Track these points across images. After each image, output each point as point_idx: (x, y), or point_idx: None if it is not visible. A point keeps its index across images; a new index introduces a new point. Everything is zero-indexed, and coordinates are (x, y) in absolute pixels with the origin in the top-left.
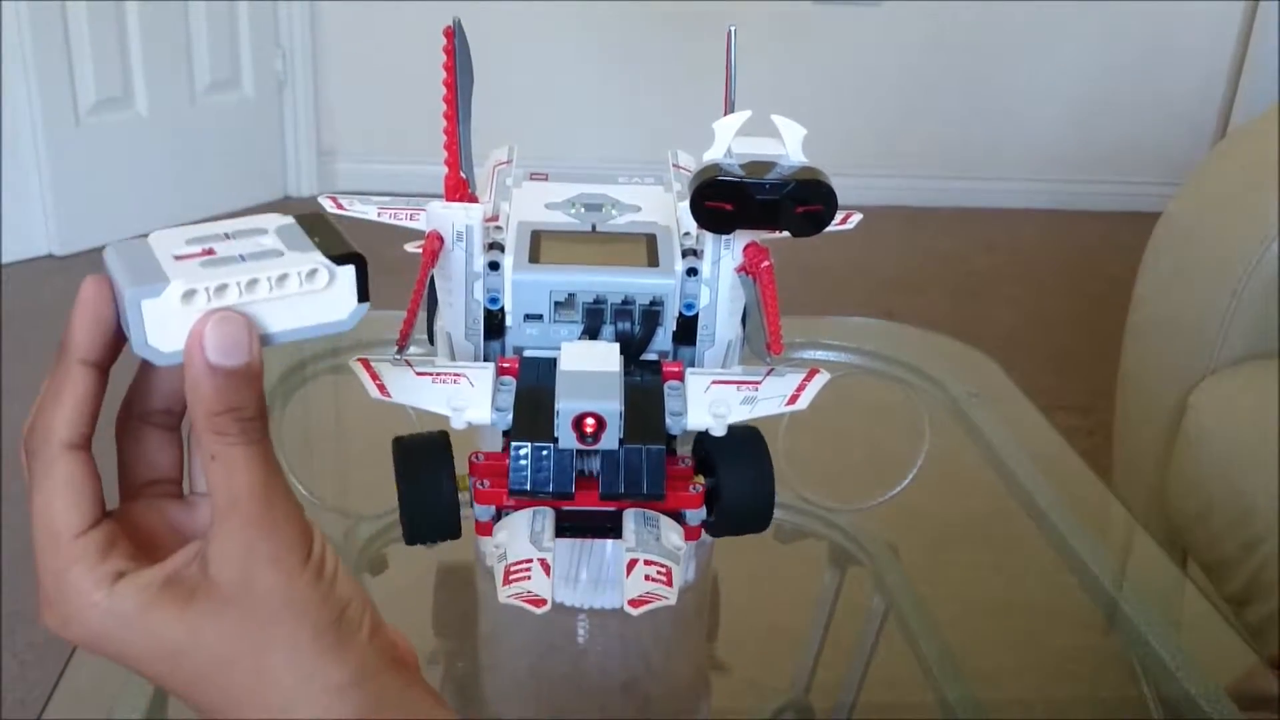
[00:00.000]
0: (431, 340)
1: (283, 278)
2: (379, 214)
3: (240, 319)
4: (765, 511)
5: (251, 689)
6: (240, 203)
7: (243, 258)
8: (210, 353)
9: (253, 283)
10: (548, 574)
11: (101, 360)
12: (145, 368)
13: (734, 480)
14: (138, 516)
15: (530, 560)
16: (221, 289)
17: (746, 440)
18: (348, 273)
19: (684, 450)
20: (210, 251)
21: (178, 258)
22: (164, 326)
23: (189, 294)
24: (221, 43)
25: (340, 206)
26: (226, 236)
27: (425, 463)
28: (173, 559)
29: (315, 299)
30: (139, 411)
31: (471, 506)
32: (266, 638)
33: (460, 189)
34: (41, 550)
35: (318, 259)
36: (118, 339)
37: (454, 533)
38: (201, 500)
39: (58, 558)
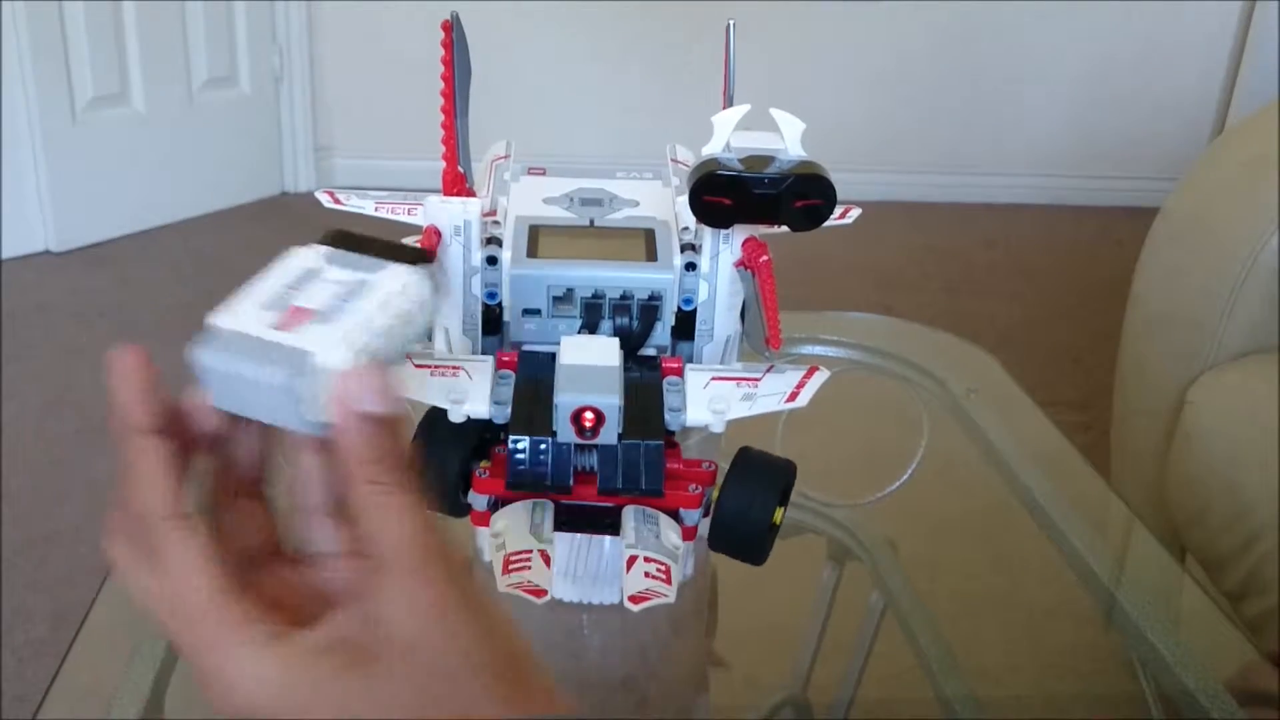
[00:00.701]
0: (429, 335)
1: (384, 302)
2: (376, 209)
3: (378, 365)
4: (757, 540)
5: None
6: (238, 199)
7: (342, 301)
8: (360, 403)
9: (368, 319)
10: (547, 565)
11: (165, 428)
12: (228, 444)
13: (731, 497)
14: (261, 584)
15: (530, 551)
16: (353, 337)
17: (767, 467)
18: (425, 270)
19: (694, 449)
20: (303, 309)
21: (279, 327)
22: (316, 396)
23: (333, 354)
24: (218, 40)
25: (338, 201)
26: (292, 289)
27: (443, 434)
28: (333, 620)
29: (410, 307)
30: (232, 487)
31: (465, 496)
32: (441, 694)
33: (458, 184)
34: (192, 626)
35: (400, 271)
36: (170, 405)
37: (452, 509)
38: (322, 559)
39: (215, 630)
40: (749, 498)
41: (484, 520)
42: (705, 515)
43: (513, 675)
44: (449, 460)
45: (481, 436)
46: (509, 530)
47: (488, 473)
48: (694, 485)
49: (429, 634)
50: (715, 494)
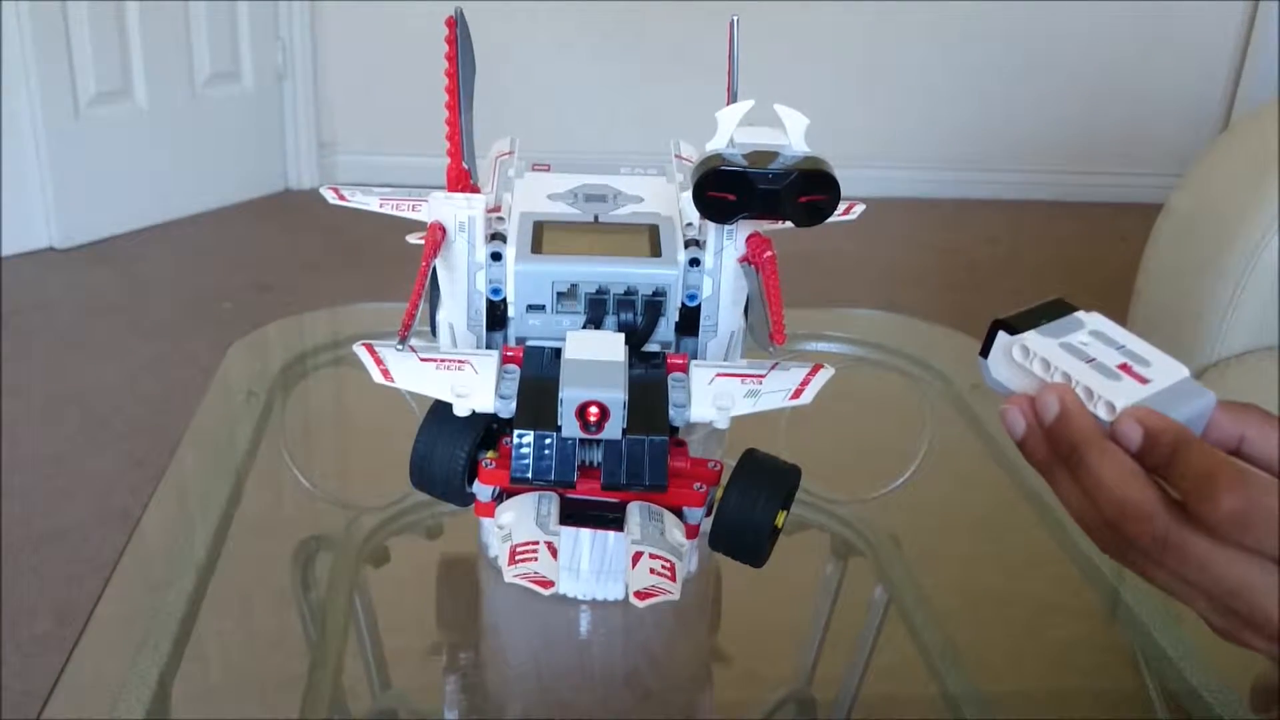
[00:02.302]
0: (434, 332)
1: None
2: (381, 205)
3: None
4: (757, 542)
5: None
6: (241, 195)
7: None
8: None
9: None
10: (554, 557)
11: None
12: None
13: (733, 499)
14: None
15: (537, 542)
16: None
17: (772, 471)
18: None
19: (698, 446)
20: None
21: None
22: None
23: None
24: (221, 35)
25: (342, 198)
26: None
27: (451, 424)
28: None
29: None
30: None
31: (470, 485)
32: None
33: (462, 180)
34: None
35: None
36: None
37: (456, 498)
38: None
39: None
40: (752, 501)
41: (488, 511)
42: (708, 514)
43: None
44: (456, 450)
45: (489, 427)
46: (516, 521)
47: (494, 464)
48: (699, 484)
49: None
50: (719, 494)
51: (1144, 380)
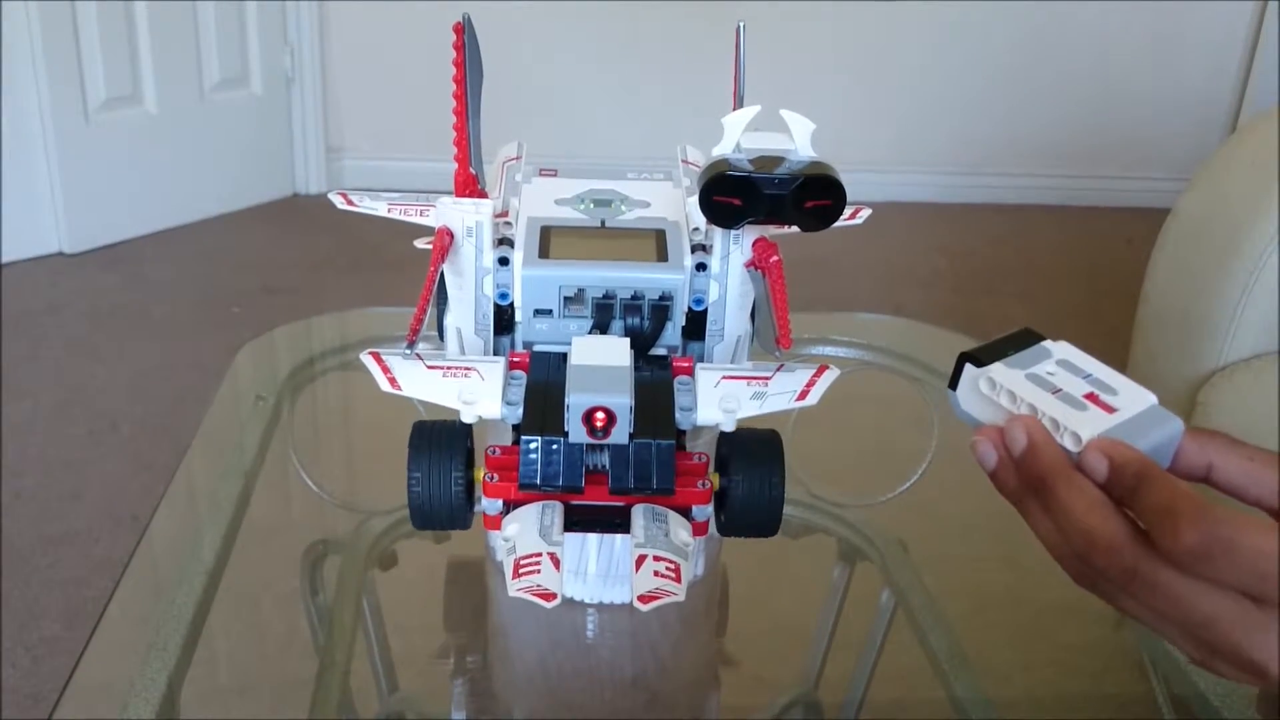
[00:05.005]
0: (441, 336)
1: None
2: (389, 210)
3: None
4: (773, 516)
5: None
6: (249, 199)
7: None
8: None
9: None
10: (557, 568)
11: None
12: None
13: (744, 481)
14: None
15: (540, 554)
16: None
17: (763, 443)
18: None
19: (702, 447)
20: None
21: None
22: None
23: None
24: (230, 41)
25: (351, 203)
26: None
27: (439, 448)
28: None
29: None
30: None
31: (479, 500)
32: None
33: (470, 185)
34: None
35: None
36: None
37: (460, 523)
38: None
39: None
40: (762, 477)
41: (497, 524)
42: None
43: None
44: (451, 471)
45: (465, 445)
46: (519, 534)
47: (497, 477)
48: (703, 481)
49: None
50: (715, 483)
51: (1111, 409)
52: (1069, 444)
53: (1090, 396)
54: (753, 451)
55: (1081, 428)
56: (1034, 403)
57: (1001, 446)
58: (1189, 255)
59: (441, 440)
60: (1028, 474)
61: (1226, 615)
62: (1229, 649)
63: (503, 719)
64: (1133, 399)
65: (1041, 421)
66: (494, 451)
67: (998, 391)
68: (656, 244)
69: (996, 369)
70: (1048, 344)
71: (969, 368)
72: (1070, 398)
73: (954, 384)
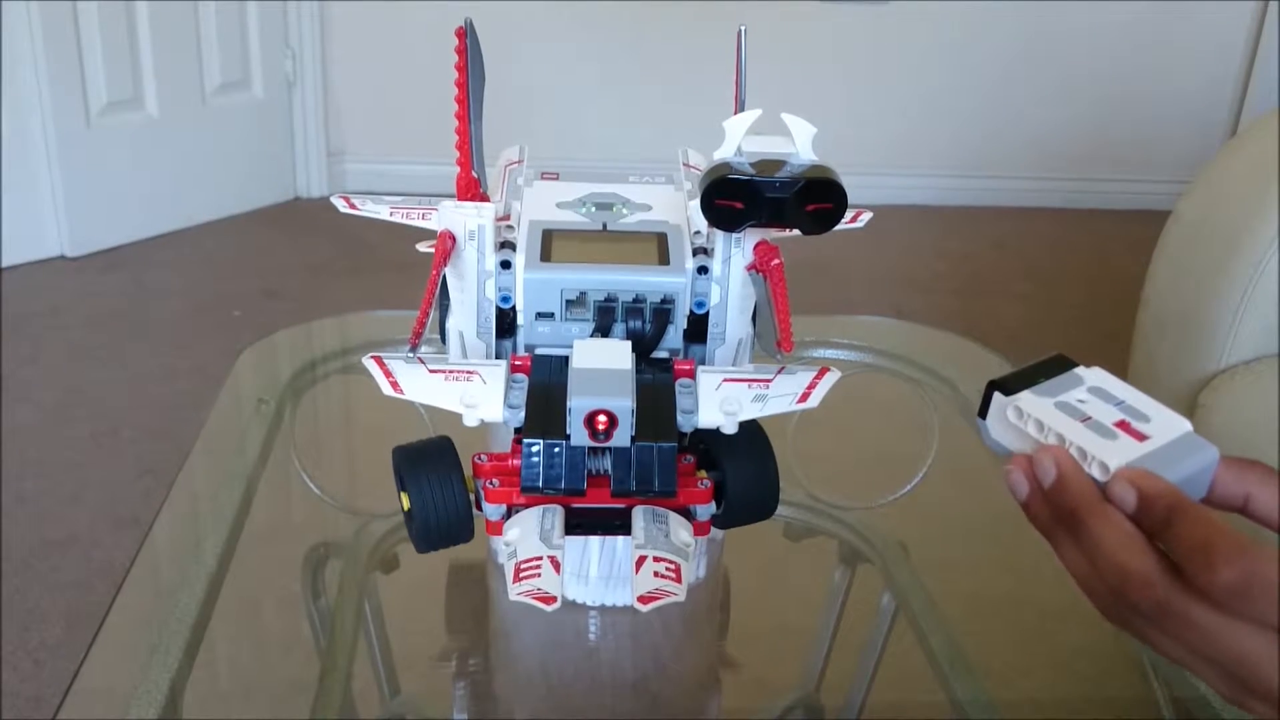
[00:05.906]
0: (443, 339)
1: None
2: (391, 214)
3: None
4: (770, 500)
5: None
6: (250, 203)
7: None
8: None
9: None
10: (558, 571)
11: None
12: None
13: (739, 472)
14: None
15: (540, 558)
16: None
17: (745, 431)
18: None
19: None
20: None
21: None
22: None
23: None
24: (231, 44)
25: (353, 206)
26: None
27: (434, 468)
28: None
29: None
30: None
31: (480, 506)
32: None
33: (472, 188)
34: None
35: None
36: None
37: (468, 536)
38: None
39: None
40: (758, 466)
41: (499, 529)
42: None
43: None
44: (454, 488)
45: (458, 459)
46: (520, 538)
47: (499, 482)
48: (703, 480)
49: None
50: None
51: (1142, 437)
52: (1097, 473)
53: (1121, 424)
54: (739, 441)
55: (1109, 457)
56: (1062, 431)
57: (1032, 477)
58: (1189, 258)
59: (436, 461)
60: (1057, 506)
61: (1264, 654)
62: (1264, 688)
63: None
64: (1166, 426)
65: (1069, 451)
66: (481, 459)
67: (1025, 420)
68: (658, 247)
69: (1025, 397)
70: (1080, 370)
71: (998, 396)
72: (1100, 426)
73: (983, 412)
